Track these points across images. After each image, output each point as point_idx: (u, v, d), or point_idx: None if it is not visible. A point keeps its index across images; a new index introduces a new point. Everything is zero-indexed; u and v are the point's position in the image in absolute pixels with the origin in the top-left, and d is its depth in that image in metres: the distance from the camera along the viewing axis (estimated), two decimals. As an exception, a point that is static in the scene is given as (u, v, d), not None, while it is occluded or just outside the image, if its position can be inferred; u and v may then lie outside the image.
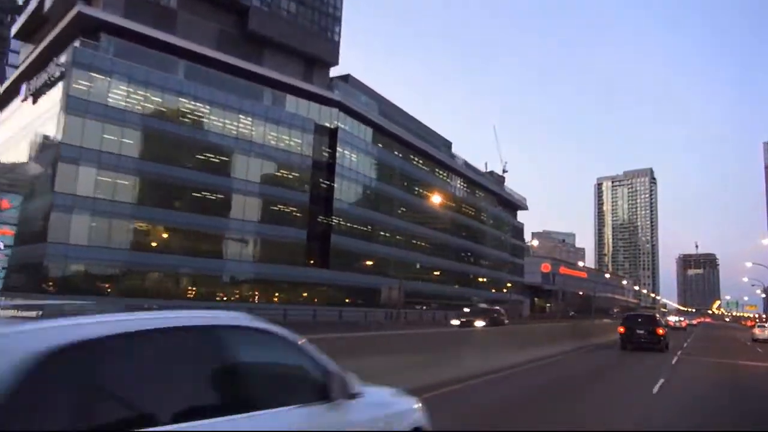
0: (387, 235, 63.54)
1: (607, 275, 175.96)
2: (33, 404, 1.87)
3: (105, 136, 40.58)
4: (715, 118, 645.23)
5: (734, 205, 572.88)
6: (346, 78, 65.64)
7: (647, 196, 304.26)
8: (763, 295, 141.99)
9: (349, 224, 57.54)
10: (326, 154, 55.40)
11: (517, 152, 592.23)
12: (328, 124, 55.51)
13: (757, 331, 38.31)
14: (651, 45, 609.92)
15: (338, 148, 55.76)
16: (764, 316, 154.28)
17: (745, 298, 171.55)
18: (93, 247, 39.12)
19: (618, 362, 18.10)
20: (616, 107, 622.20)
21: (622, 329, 23.39)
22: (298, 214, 51.39)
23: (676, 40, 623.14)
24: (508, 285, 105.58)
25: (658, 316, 30.50)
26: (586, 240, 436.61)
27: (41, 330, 2.11)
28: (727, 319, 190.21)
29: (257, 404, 2.65)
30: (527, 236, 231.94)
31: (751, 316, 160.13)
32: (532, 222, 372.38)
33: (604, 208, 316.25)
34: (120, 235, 41.02)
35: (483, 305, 40.78)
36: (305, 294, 51.69)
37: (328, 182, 54.97)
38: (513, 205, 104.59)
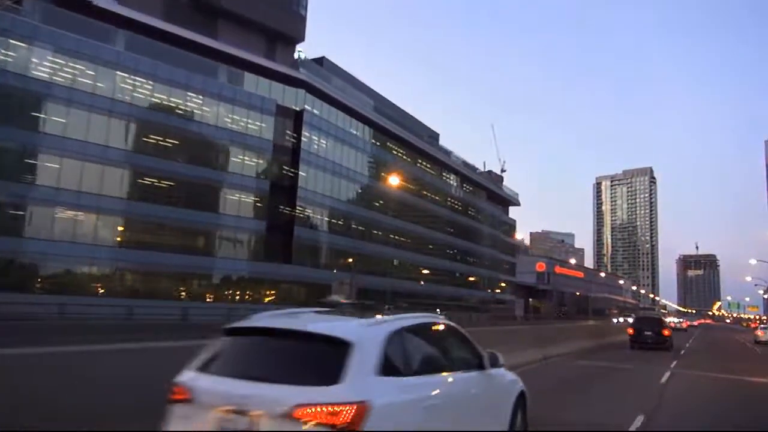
0: (361, 228, 58.79)
1: (602, 274, 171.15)
2: (393, 353, 3.84)
3: (30, 113, 35.87)
4: (715, 117, 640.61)
5: (735, 205, 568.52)
6: (320, 61, 60.97)
7: (647, 195, 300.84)
8: (766, 296, 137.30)
9: (316, 216, 52.75)
10: (291, 139, 50.58)
11: (516, 152, 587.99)
12: (293, 106, 50.71)
13: (759, 333, 37.90)
14: (651, 43, 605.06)
15: (304, 133, 50.88)
16: (764, 317, 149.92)
17: (747, 299, 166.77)
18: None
19: (586, 380, 13.21)
20: (614, 105, 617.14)
21: (631, 330, 25.02)
22: (257, 204, 46.60)
23: (677, 38, 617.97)
24: (502, 285, 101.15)
25: (664, 318, 32.34)
26: (585, 241, 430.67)
27: (389, 322, 4.18)
28: (728, 321, 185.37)
29: (455, 368, 4.74)
30: (525, 236, 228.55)
31: (752, 317, 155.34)
32: (531, 222, 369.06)
33: (603, 207, 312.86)
34: (44, 222, 36.20)
35: (334, 298, 34.46)
36: (263, 291, 46.93)
37: (292, 170, 50.14)
38: (504, 200, 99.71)
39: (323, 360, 3.52)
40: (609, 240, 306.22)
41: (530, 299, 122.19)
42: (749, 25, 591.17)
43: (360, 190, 59.76)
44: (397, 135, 66.12)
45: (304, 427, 3.16)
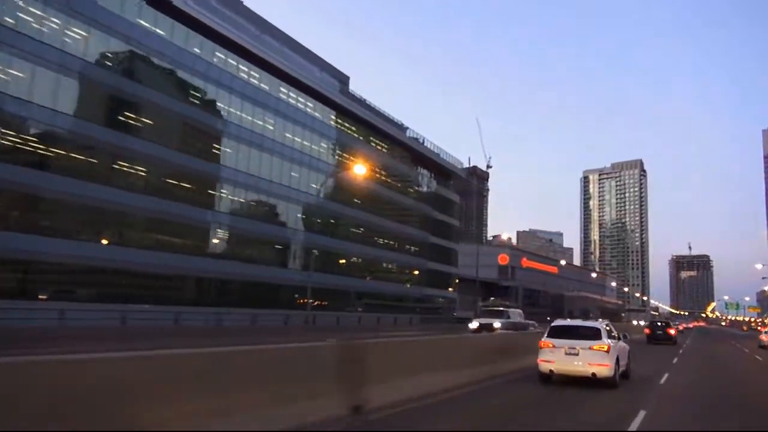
0: (142, 173, 37.64)
1: (563, 261, 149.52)
2: (608, 331, 15.12)
3: None
4: (710, 113, 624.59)
5: (729, 205, 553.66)
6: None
7: (636, 189, 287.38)
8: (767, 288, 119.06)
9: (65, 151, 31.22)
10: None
11: (506, 149, 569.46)
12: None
13: (764, 338, 36.38)
14: (642, 33, 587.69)
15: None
16: (759, 319, 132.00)
17: (747, 299, 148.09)
18: None
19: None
20: (606, 100, 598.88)
21: (648, 330, 37.62)
22: None
23: (669, 28, 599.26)
24: (457, 281, 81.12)
25: (671, 322, 44.69)
26: (575, 241, 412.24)
27: (604, 321, 17.94)
28: (723, 323, 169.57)
29: (615, 338, 15.06)
30: (512, 235, 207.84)
31: (752, 319, 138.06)
32: (518, 221, 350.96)
33: (591, 203, 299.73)
34: None
35: None
36: None
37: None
38: (441, 169, 76.74)
39: (594, 334, 13.84)
40: (597, 237, 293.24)
41: (491, 298, 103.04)
42: (745, 16, 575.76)
43: (153, 115, 38.46)
44: (252, 52, 44.92)
45: (595, 352, 13.36)
